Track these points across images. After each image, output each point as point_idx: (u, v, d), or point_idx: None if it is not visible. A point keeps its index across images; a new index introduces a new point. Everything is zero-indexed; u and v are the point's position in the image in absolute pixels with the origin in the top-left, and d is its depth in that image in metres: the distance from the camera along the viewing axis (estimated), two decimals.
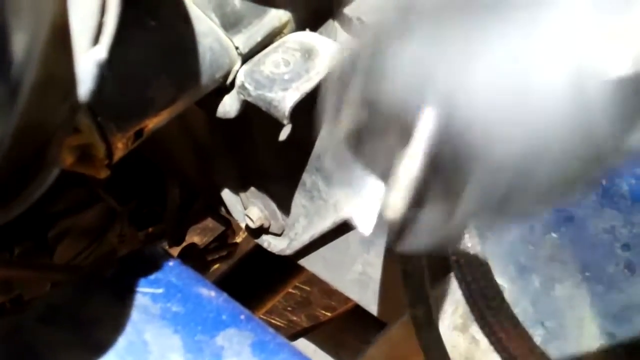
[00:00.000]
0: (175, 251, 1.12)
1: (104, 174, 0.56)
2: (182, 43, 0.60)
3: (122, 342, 0.50)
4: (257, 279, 1.17)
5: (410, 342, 0.68)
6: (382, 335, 0.69)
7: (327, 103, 0.38)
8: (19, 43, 0.30)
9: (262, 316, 1.38)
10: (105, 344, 0.50)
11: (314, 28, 0.68)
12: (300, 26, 0.67)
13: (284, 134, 0.76)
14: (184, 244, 1.12)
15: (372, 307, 0.80)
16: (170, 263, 0.59)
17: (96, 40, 0.34)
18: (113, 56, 0.56)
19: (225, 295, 0.58)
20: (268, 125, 0.75)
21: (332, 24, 0.70)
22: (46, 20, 0.31)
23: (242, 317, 0.55)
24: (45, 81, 0.34)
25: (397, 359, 0.68)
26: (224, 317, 0.55)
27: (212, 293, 0.57)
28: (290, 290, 1.36)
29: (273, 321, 1.60)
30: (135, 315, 0.53)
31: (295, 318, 1.66)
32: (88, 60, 0.33)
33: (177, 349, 0.51)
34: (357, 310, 0.86)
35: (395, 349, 0.69)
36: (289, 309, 1.67)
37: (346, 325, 1.00)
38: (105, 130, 0.54)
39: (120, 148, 0.56)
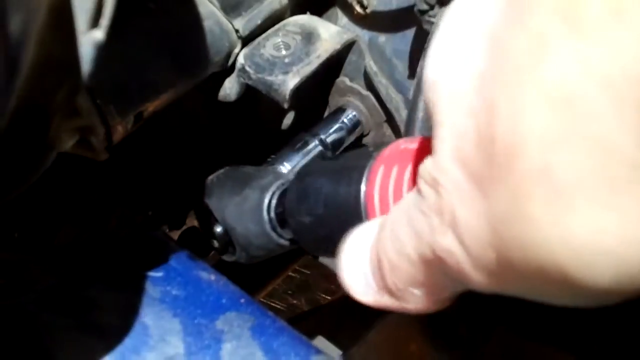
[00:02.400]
0: (175, 235, 1.12)
1: (103, 156, 0.56)
2: (182, 26, 0.60)
3: (121, 325, 0.50)
4: (257, 262, 1.17)
5: (410, 327, 0.68)
6: (381, 319, 0.69)
7: None
8: (16, 23, 0.29)
9: (262, 300, 1.38)
10: (105, 327, 0.50)
11: (315, 11, 0.68)
12: (301, 9, 0.67)
13: (287, 122, 0.76)
14: (184, 227, 1.12)
15: None
16: (170, 247, 0.59)
17: (94, 22, 0.33)
18: (113, 39, 0.56)
19: (225, 279, 0.58)
20: (270, 110, 0.75)
21: (334, 8, 0.70)
22: (43, 1, 0.31)
23: (242, 300, 0.55)
24: (43, 63, 0.34)
25: (397, 343, 0.68)
26: (223, 300, 0.55)
27: (212, 277, 0.57)
28: (290, 273, 1.36)
29: (273, 304, 1.61)
30: (134, 298, 0.53)
31: (295, 301, 1.66)
32: (86, 42, 0.33)
33: (176, 333, 0.51)
34: None
35: (395, 333, 0.69)
36: (289, 292, 1.67)
37: (346, 310, 1.00)
38: (105, 113, 0.54)
39: (120, 131, 0.56)
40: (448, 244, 0.29)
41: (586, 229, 0.24)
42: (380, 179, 0.41)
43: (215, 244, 0.64)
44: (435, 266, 0.31)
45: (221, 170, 0.66)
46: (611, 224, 0.24)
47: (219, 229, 0.63)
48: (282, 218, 0.58)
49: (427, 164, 0.30)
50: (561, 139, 0.24)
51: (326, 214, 0.47)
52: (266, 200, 0.60)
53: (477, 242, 0.28)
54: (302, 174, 0.55)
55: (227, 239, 0.63)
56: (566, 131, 0.24)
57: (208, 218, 0.64)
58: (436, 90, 0.30)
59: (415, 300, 0.34)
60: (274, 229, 0.59)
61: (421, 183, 0.30)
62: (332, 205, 0.46)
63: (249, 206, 0.60)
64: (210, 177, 0.66)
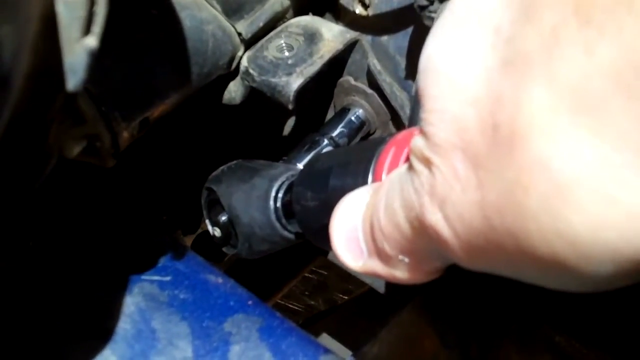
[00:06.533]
0: (189, 239, 1.12)
1: (110, 163, 0.56)
2: (184, 31, 0.60)
3: (129, 329, 0.51)
4: (273, 263, 1.18)
5: (423, 324, 0.68)
6: (394, 317, 0.69)
7: None
8: (8, 34, 0.30)
9: (279, 301, 1.38)
10: (113, 332, 0.51)
11: (317, 12, 0.68)
12: (302, 10, 0.67)
13: (289, 123, 0.76)
14: (198, 231, 1.12)
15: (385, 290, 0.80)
16: (178, 250, 0.60)
17: (87, 30, 0.33)
18: (116, 46, 0.56)
19: (232, 281, 0.58)
20: (275, 111, 0.75)
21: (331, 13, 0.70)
22: (35, 10, 0.32)
23: (250, 302, 0.55)
24: (38, 72, 0.34)
25: (409, 341, 0.68)
26: (231, 303, 0.55)
27: (220, 279, 0.57)
28: (306, 274, 1.36)
29: (291, 306, 1.61)
30: (143, 303, 0.53)
31: (313, 302, 1.66)
32: (79, 50, 0.33)
33: (185, 336, 0.51)
34: (372, 293, 0.86)
35: (408, 331, 0.69)
36: (306, 293, 1.67)
37: (360, 308, 1.00)
38: (111, 119, 0.54)
39: (126, 137, 0.57)
40: (435, 222, 0.29)
41: (587, 224, 0.24)
42: (390, 159, 0.42)
43: (218, 232, 0.64)
44: (423, 237, 0.31)
45: (234, 162, 0.66)
46: (615, 219, 0.24)
47: (223, 218, 0.62)
48: (288, 209, 0.58)
49: (418, 142, 0.30)
50: (567, 131, 0.24)
51: (332, 197, 0.46)
52: (274, 189, 0.60)
53: (466, 228, 0.28)
54: (312, 160, 0.56)
55: (231, 229, 0.62)
56: (573, 122, 0.24)
57: (214, 206, 0.64)
58: (432, 78, 0.30)
59: (404, 268, 0.34)
60: (278, 219, 0.59)
61: (413, 158, 0.31)
62: (339, 187, 0.46)
63: (257, 194, 0.60)
64: (222, 167, 0.65)
